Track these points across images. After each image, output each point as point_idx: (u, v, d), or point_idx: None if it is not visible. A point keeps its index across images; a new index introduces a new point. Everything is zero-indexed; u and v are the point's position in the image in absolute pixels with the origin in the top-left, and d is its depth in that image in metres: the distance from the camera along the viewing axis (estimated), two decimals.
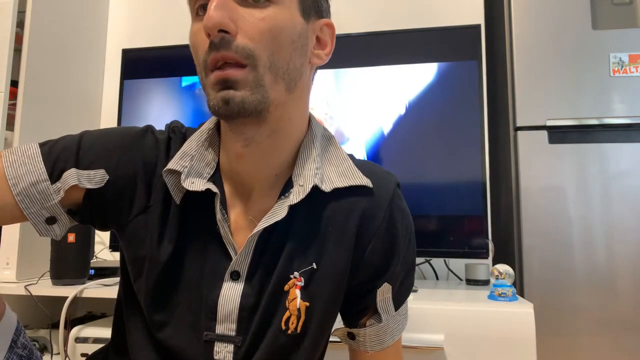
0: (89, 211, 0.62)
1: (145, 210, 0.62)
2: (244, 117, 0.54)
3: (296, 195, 0.59)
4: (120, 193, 0.62)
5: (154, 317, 0.62)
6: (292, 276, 0.60)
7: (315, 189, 0.60)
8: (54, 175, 0.59)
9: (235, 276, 0.60)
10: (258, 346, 0.60)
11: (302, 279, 0.61)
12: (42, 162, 0.59)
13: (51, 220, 0.61)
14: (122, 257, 0.68)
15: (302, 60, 0.59)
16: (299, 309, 0.60)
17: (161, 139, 0.65)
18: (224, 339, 0.60)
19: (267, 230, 0.59)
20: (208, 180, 0.61)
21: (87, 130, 0.64)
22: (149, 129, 0.66)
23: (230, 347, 0.60)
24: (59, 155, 0.60)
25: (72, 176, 0.59)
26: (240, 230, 0.62)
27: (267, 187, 0.62)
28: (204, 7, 0.55)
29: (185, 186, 0.59)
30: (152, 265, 0.61)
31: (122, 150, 0.62)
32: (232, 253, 0.61)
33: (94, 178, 0.61)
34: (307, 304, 0.61)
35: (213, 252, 0.61)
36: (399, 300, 0.67)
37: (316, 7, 0.60)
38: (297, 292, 0.60)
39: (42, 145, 0.61)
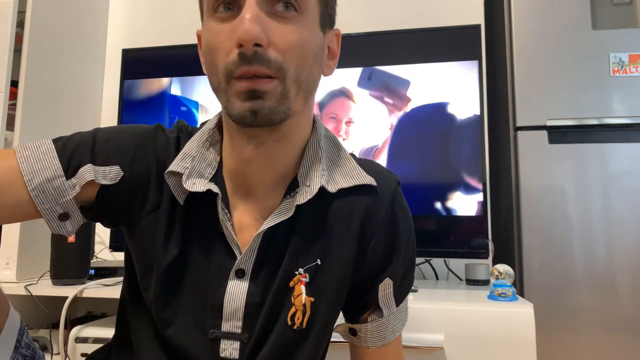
0: (101, 208, 0.63)
1: (157, 208, 0.63)
2: (268, 126, 0.55)
3: (303, 195, 0.60)
4: (133, 190, 0.62)
5: (160, 315, 0.62)
6: (297, 272, 0.61)
7: (321, 189, 0.61)
8: (70, 171, 0.60)
9: (240, 274, 0.61)
10: (264, 342, 0.61)
11: (307, 275, 0.61)
12: (57, 158, 0.60)
13: (64, 217, 0.61)
14: (127, 255, 0.68)
15: (319, 72, 0.60)
16: (304, 305, 0.61)
17: (171, 138, 0.65)
18: (230, 336, 0.61)
19: (272, 228, 0.60)
20: (210, 181, 0.61)
21: (100, 127, 0.65)
22: (160, 127, 0.66)
23: (237, 345, 0.61)
24: (74, 151, 0.60)
25: (88, 172, 0.60)
26: (244, 229, 0.62)
27: (272, 187, 0.63)
28: (226, 6, 0.54)
29: (186, 187, 0.59)
30: (159, 263, 0.62)
31: (136, 147, 0.63)
32: (236, 252, 0.61)
33: (109, 174, 0.61)
34: (312, 299, 0.61)
35: (218, 251, 0.62)
36: (400, 295, 0.68)
37: (331, 18, 0.61)
38: (302, 288, 0.61)
39: (55, 141, 0.62)
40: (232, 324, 0.61)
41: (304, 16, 0.55)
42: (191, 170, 0.61)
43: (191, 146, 0.63)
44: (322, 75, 0.63)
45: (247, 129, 0.58)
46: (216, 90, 0.56)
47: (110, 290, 1.21)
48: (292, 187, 0.62)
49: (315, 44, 0.57)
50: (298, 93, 0.56)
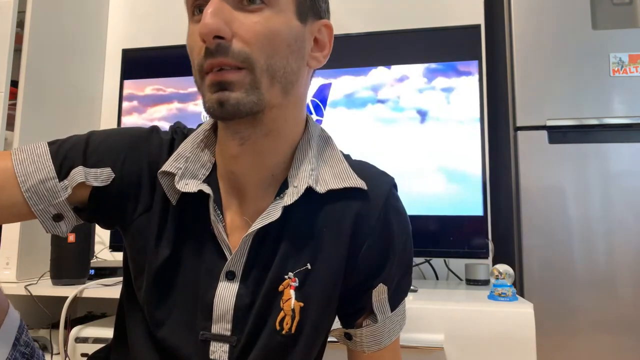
0: (94, 209, 0.63)
1: (149, 209, 0.63)
2: (239, 118, 0.55)
3: (290, 196, 0.60)
4: (125, 192, 0.63)
5: (152, 315, 0.62)
6: (286, 277, 0.61)
7: (310, 190, 0.60)
8: (62, 173, 0.60)
9: (230, 276, 0.61)
10: (253, 346, 0.61)
11: (297, 279, 0.61)
12: (51, 160, 0.60)
13: (58, 218, 0.62)
14: (124, 255, 0.68)
15: (299, 63, 0.59)
16: (293, 310, 0.60)
17: (165, 140, 0.65)
18: (220, 338, 0.61)
19: (262, 230, 0.60)
20: (203, 182, 0.62)
21: (95, 130, 0.66)
22: (154, 129, 0.67)
23: (226, 347, 0.60)
24: (67, 154, 0.61)
25: (79, 174, 0.60)
26: (236, 230, 0.62)
27: (262, 187, 0.62)
28: (200, 9, 0.55)
29: (179, 188, 0.60)
30: (151, 263, 0.62)
31: (128, 150, 0.63)
32: (227, 253, 0.61)
33: (100, 176, 0.62)
34: (302, 304, 0.61)
35: (209, 253, 0.62)
36: (395, 301, 0.67)
37: (314, 8, 0.60)
38: (292, 292, 0.60)
39: (50, 144, 0.62)
40: (221, 325, 0.60)
41: (272, 6, 0.54)
42: (184, 171, 0.61)
43: (185, 147, 0.63)
44: (309, 68, 0.62)
45: (229, 123, 0.58)
46: (197, 88, 0.58)
47: (110, 290, 1.21)
48: (283, 188, 0.61)
49: (288, 34, 0.56)
50: (272, 84, 0.55)
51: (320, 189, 0.61)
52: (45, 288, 1.24)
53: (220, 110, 0.53)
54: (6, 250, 1.36)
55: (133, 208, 0.63)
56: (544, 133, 1.26)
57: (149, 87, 1.49)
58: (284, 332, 0.60)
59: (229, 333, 0.60)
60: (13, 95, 1.48)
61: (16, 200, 0.59)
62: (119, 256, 1.69)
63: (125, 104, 1.51)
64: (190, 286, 0.62)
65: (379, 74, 1.35)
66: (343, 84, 1.37)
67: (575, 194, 1.23)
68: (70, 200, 0.61)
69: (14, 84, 1.49)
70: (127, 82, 1.52)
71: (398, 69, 1.34)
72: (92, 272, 1.34)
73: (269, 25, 0.54)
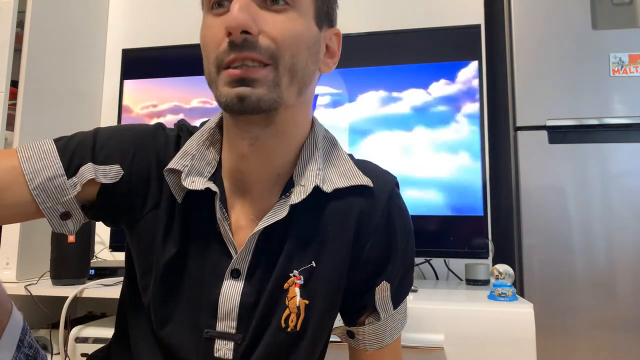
0: (103, 206, 0.63)
1: (157, 206, 0.63)
2: (256, 114, 0.55)
3: (297, 195, 0.60)
4: (134, 189, 0.63)
5: (158, 313, 0.62)
6: (291, 274, 0.61)
7: (316, 189, 0.60)
8: (71, 170, 0.60)
9: (235, 274, 0.61)
10: (258, 344, 0.61)
11: (302, 277, 0.61)
12: (59, 157, 0.60)
13: (65, 216, 0.62)
14: (127, 255, 0.68)
15: (315, 67, 0.60)
16: (298, 307, 0.61)
17: (171, 136, 0.66)
18: (224, 336, 0.61)
19: (267, 229, 0.60)
20: (208, 179, 0.62)
21: (100, 127, 0.65)
22: (160, 126, 0.67)
23: (230, 345, 0.61)
24: (75, 151, 0.61)
25: (89, 170, 0.60)
26: (241, 228, 0.63)
27: (268, 186, 0.63)
28: (219, 3, 0.56)
29: (185, 185, 0.60)
30: (158, 261, 0.62)
31: (136, 146, 0.63)
32: (232, 251, 0.61)
33: (110, 173, 0.62)
34: (307, 302, 0.61)
35: (214, 251, 0.62)
36: (398, 298, 0.68)
37: (328, 16, 0.62)
38: (297, 290, 0.61)
39: (56, 141, 0.62)
40: (226, 324, 0.61)
41: (296, 9, 0.55)
42: (190, 169, 0.61)
43: (191, 144, 0.63)
44: (319, 73, 0.63)
45: (239, 122, 0.58)
46: (209, 82, 0.57)
47: (110, 290, 1.21)
48: (288, 187, 0.62)
49: (309, 37, 0.57)
50: (291, 83, 0.56)
51: (327, 188, 0.61)
52: (45, 288, 1.24)
53: (239, 105, 0.53)
54: (6, 250, 1.36)
55: (142, 205, 0.63)
56: (544, 133, 1.26)
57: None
58: (289, 329, 0.61)
59: (234, 331, 0.61)
60: (13, 95, 1.48)
61: (24, 198, 0.58)
62: (119, 256, 1.69)
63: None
64: (195, 284, 0.62)
65: (378, 74, 1.35)
66: (343, 83, 1.37)
67: (575, 194, 1.23)
68: (78, 198, 0.61)
69: (14, 84, 1.49)
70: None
71: (398, 69, 1.34)
72: (92, 272, 1.33)
73: (293, 25, 0.55)
